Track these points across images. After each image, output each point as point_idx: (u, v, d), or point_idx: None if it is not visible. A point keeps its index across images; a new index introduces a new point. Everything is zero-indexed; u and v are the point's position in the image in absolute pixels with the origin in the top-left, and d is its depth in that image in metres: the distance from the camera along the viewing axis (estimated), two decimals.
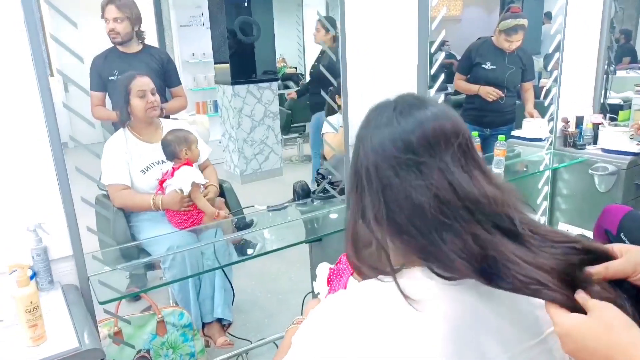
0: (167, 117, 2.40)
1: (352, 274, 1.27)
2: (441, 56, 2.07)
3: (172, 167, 2.10)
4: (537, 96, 2.89)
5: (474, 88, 2.91)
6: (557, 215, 2.70)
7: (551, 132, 2.61)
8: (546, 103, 2.62)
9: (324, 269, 1.35)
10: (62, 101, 1.59)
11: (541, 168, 2.54)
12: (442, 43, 5.68)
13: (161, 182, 2.12)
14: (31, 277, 1.27)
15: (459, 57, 5.51)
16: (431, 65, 2.02)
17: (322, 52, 3.72)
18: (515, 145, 2.73)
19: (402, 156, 0.63)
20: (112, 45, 2.58)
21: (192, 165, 2.12)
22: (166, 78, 2.69)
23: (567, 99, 2.58)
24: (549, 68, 2.52)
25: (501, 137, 2.28)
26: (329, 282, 1.29)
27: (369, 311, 0.63)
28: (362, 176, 0.67)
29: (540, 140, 2.63)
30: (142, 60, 2.58)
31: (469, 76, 3.00)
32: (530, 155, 2.63)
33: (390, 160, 0.64)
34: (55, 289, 1.41)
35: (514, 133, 2.78)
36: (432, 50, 2.01)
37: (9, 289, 1.13)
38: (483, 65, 2.88)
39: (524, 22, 2.66)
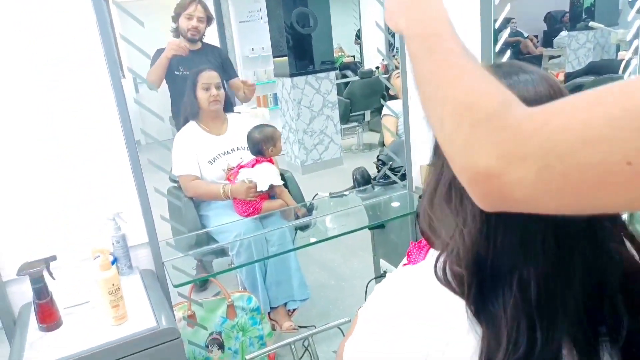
0: (230, 111, 2.48)
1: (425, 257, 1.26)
2: (505, 33, 1.98)
3: (256, 159, 2.19)
4: (615, 70, 2.69)
5: None
6: None
7: None
8: (626, 76, 2.44)
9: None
10: (133, 97, 1.70)
11: None
12: (508, 20, 5.44)
13: (239, 167, 2.20)
14: (112, 263, 1.36)
15: (526, 35, 5.25)
16: (495, 42, 1.94)
17: None
18: None
19: None
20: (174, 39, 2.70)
21: (273, 163, 2.19)
22: (225, 71, 2.80)
23: None
24: (628, 37, 2.33)
25: None
26: (408, 255, 1.29)
27: (425, 289, 0.63)
28: None
29: None
30: (204, 56, 2.70)
31: None
32: None
33: None
34: (134, 273, 1.51)
35: None
36: (496, 26, 1.93)
37: (93, 273, 1.22)
38: None
39: None
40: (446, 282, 0.60)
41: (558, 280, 0.57)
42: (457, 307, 0.60)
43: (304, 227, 2.09)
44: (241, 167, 2.20)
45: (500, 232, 0.57)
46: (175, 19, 2.67)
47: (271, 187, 2.14)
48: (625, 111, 0.37)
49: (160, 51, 2.67)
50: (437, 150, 0.67)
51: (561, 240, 0.57)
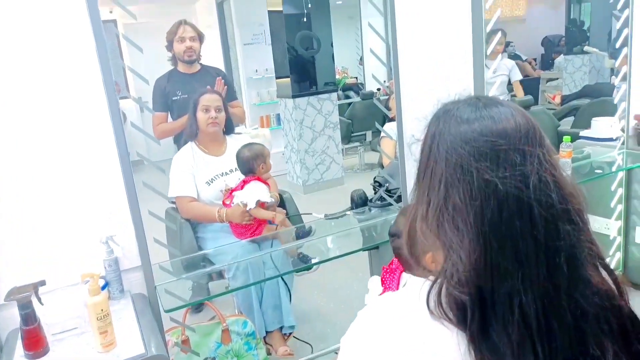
0: (232, 133, 2.50)
1: (403, 271, 1.27)
2: (498, 58, 2.00)
3: (243, 180, 2.17)
4: (609, 93, 2.72)
5: None
6: (634, 219, 2.51)
7: (623, 130, 2.44)
8: (616, 100, 2.47)
9: (374, 282, 1.37)
10: (131, 121, 1.72)
11: (614, 169, 2.38)
12: (507, 44, 5.50)
13: (231, 192, 2.20)
14: (103, 287, 1.37)
15: (524, 58, 5.30)
16: (487, 68, 1.96)
17: None
18: (584, 146, 2.57)
19: (497, 147, 0.61)
20: (172, 67, 2.73)
21: (261, 181, 2.19)
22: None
23: (639, 95, 2.41)
24: (617, 64, 2.37)
25: (566, 137, 2.16)
26: (383, 282, 1.30)
27: (404, 319, 0.64)
28: (430, 170, 0.65)
29: (611, 140, 2.46)
30: (202, 79, 2.72)
31: None
32: (601, 155, 2.47)
33: (476, 153, 0.61)
34: (126, 297, 1.51)
35: (582, 133, 2.62)
36: (488, 52, 1.96)
37: (82, 297, 1.22)
38: None
39: None
40: (440, 313, 0.60)
41: (551, 305, 0.59)
42: (442, 337, 0.60)
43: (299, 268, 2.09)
44: (232, 191, 2.20)
45: (495, 252, 0.59)
46: (169, 47, 2.69)
47: (258, 203, 2.12)
48: None
49: (160, 81, 2.68)
50: (420, 176, 0.69)
51: (551, 263, 0.59)
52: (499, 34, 1.92)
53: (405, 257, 1.18)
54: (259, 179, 2.17)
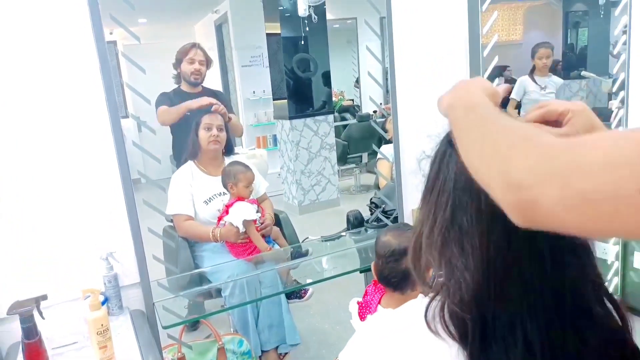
0: (231, 154, 2.52)
1: (379, 303, 1.29)
2: (495, 82, 2.05)
3: (226, 205, 2.18)
4: (606, 119, 2.76)
5: None
6: (632, 244, 2.53)
7: None
8: (613, 125, 2.51)
9: (353, 305, 1.38)
10: (132, 140, 1.74)
11: None
12: (504, 68, 5.59)
13: (219, 219, 2.22)
14: (103, 303, 1.37)
15: None
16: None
17: None
18: None
19: None
20: (176, 86, 2.79)
21: (244, 200, 2.20)
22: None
23: (636, 120, 2.45)
24: (614, 89, 2.42)
25: None
26: (361, 317, 1.33)
27: (402, 334, 0.65)
28: (438, 189, 0.66)
29: None
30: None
31: None
32: None
33: None
34: (124, 314, 1.51)
35: None
36: (485, 77, 2.01)
37: (82, 312, 1.22)
38: None
39: None
40: (443, 327, 0.60)
41: (556, 335, 0.59)
42: (440, 353, 0.61)
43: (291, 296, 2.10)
44: (220, 218, 2.20)
45: (500, 278, 0.59)
46: (177, 65, 2.76)
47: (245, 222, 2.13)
48: None
49: (164, 95, 2.73)
50: (427, 193, 0.69)
51: (557, 294, 0.59)
52: (544, 48, 1.97)
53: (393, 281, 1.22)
54: (240, 198, 2.18)
